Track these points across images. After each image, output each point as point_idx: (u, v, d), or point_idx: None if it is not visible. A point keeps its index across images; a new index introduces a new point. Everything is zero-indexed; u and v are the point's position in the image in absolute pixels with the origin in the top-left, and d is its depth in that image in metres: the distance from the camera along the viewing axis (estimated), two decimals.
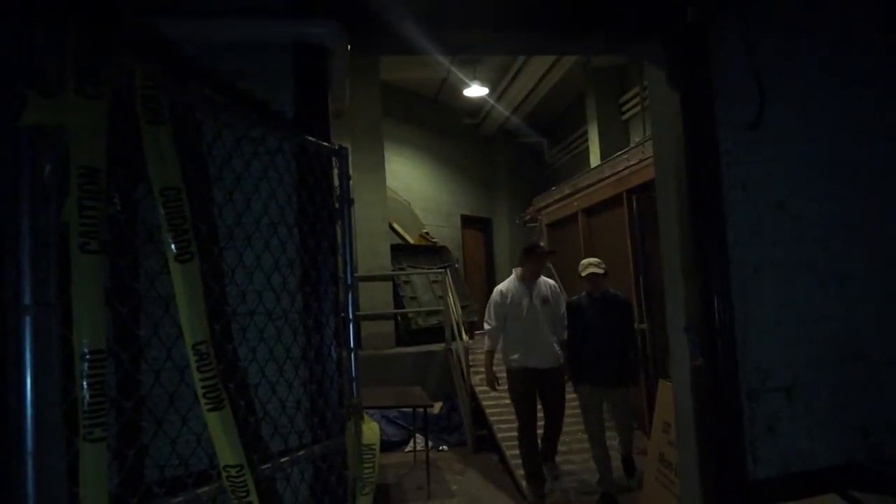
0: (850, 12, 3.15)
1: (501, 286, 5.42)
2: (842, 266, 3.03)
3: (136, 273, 2.01)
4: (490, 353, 5.39)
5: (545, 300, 5.29)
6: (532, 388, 5.21)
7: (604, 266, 5.29)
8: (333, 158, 2.56)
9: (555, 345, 5.26)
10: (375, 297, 9.15)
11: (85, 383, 1.40)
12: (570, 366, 5.27)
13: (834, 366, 2.99)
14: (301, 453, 2.29)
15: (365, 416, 2.43)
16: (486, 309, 5.42)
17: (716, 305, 2.90)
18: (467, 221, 13.72)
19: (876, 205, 3.08)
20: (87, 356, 1.40)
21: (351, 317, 2.52)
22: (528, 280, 5.33)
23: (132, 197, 2.07)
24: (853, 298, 3.03)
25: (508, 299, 5.28)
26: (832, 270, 3.02)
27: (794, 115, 3.05)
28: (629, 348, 5.38)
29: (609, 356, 5.11)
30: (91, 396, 1.40)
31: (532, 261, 5.34)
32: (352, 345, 2.51)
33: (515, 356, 5.21)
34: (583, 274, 5.26)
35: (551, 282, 5.50)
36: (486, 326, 5.36)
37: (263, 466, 2.06)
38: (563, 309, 5.38)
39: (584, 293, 5.35)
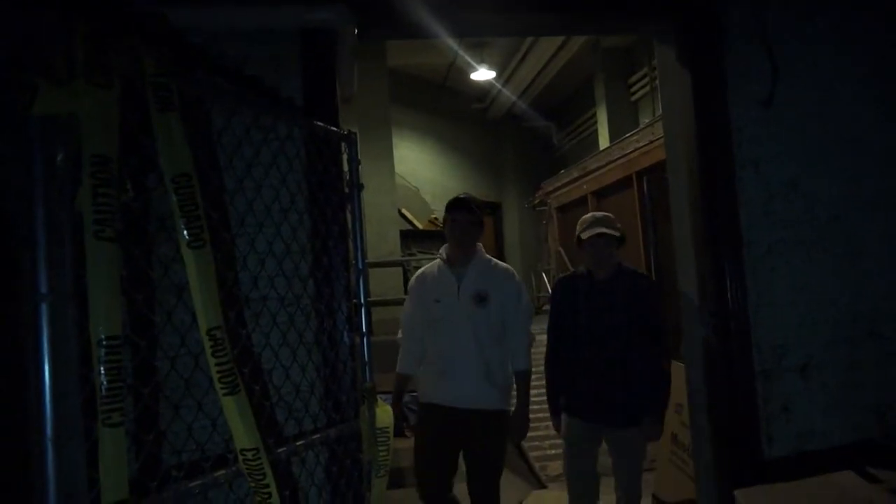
0: None
1: (419, 272, 3.32)
2: (855, 245, 3.01)
3: (150, 260, 2.02)
4: (400, 381, 3.27)
5: (481, 297, 3.02)
6: (440, 437, 3.05)
7: (619, 226, 3.13)
8: (343, 144, 2.55)
9: (493, 375, 3.02)
10: (386, 283, 9.17)
11: (102, 369, 1.41)
12: (548, 388, 3.24)
13: (848, 345, 2.98)
14: (316, 437, 2.30)
15: (379, 400, 2.44)
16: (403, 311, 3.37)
17: (728, 286, 2.89)
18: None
19: (890, 183, 3.05)
20: (104, 342, 1.41)
21: (363, 302, 2.53)
22: (454, 262, 3.11)
23: (144, 185, 2.08)
24: (867, 277, 3.01)
25: (419, 293, 3.20)
26: (846, 249, 3.00)
27: (807, 93, 3.02)
28: (654, 367, 3.04)
29: (617, 379, 3.01)
30: (108, 382, 1.41)
31: (459, 225, 3.05)
32: (364, 329, 2.52)
33: (428, 386, 3.14)
34: (582, 236, 3.10)
35: (502, 265, 3.19)
36: (400, 338, 3.30)
37: (279, 450, 2.08)
38: (524, 312, 3.12)
39: (581, 270, 3.21)
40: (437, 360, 3.06)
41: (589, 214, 3.20)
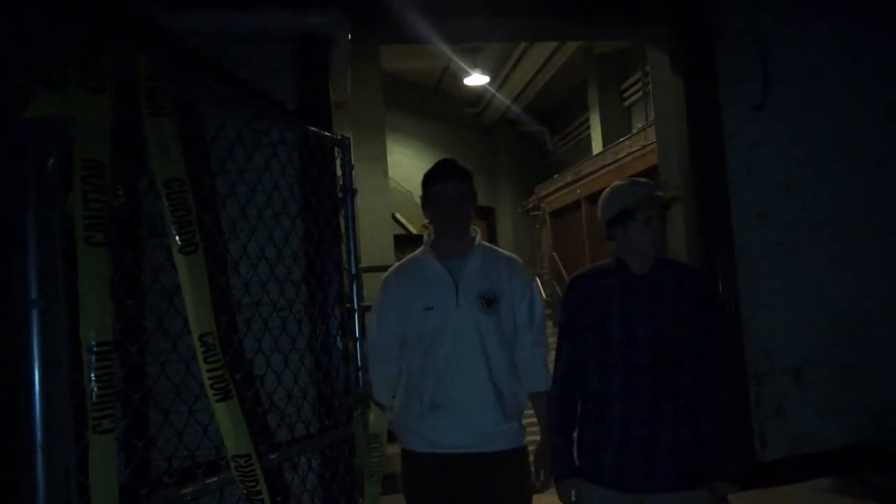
0: None
1: (395, 268, 2.37)
2: (848, 247, 3.03)
3: (141, 265, 2.01)
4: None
5: (488, 299, 2.19)
6: (440, 500, 2.21)
7: (672, 190, 2.33)
8: (336, 148, 2.55)
9: (506, 402, 2.20)
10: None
11: (93, 375, 1.40)
12: (554, 439, 2.13)
13: (841, 347, 2.99)
14: (309, 442, 2.29)
15: (372, 405, 2.43)
16: (369, 330, 2.38)
17: (721, 289, 2.89)
18: None
19: (882, 185, 3.07)
20: (95, 348, 1.40)
21: (356, 307, 2.52)
22: (445, 250, 2.25)
23: (136, 189, 2.06)
24: (859, 279, 3.02)
25: (399, 298, 2.26)
26: (838, 252, 3.02)
27: (799, 97, 3.04)
28: (723, 398, 2.08)
29: (676, 418, 2.00)
30: (99, 388, 1.40)
31: (449, 199, 2.22)
32: (357, 334, 2.51)
33: (411, 425, 2.23)
34: (631, 207, 2.07)
35: (505, 253, 2.37)
36: (369, 363, 2.33)
37: (271, 456, 2.07)
38: (539, 313, 2.31)
39: (607, 263, 2.16)
40: (426, 391, 2.15)
41: (623, 181, 2.19)
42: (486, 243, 2.34)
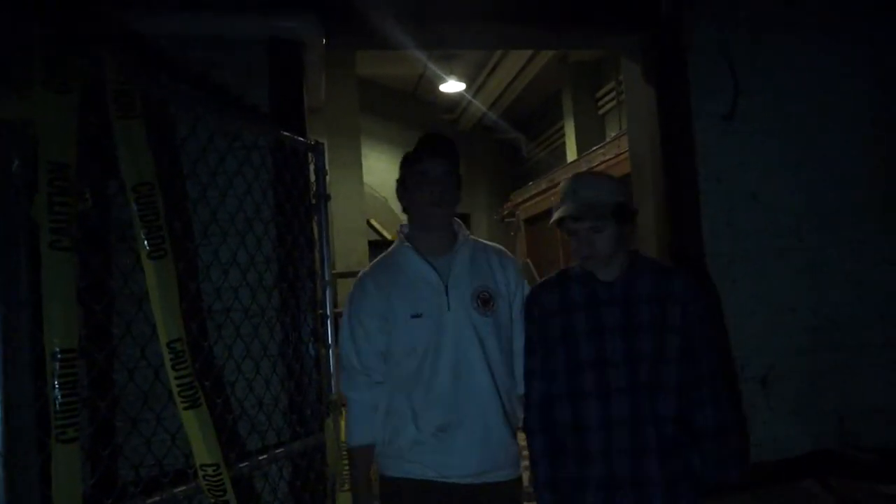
0: (822, 5, 3.19)
1: (370, 269, 1.99)
2: (814, 255, 3.08)
3: (109, 270, 1.98)
4: (364, 458, 1.90)
5: (484, 297, 1.88)
6: None
7: (623, 188, 1.86)
8: (310, 154, 2.53)
9: (511, 419, 1.89)
10: None
11: (56, 383, 1.37)
12: (534, 471, 1.84)
13: (808, 354, 3.04)
14: (279, 451, 2.26)
15: (344, 412, 2.41)
16: (340, 345, 1.95)
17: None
18: None
19: (846, 194, 3.13)
20: (59, 355, 1.38)
21: (329, 313, 2.50)
22: (428, 245, 1.91)
23: (104, 193, 2.03)
24: (825, 287, 3.08)
25: (379, 304, 1.87)
26: (805, 260, 3.07)
27: (767, 108, 3.09)
28: (720, 418, 1.77)
29: (661, 445, 1.73)
30: (63, 396, 1.38)
31: (434, 179, 1.85)
32: (330, 341, 2.49)
33: (405, 453, 1.83)
34: (558, 215, 1.77)
35: (491, 243, 2.08)
36: (343, 386, 1.94)
37: (241, 465, 2.04)
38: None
39: (574, 268, 1.88)
40: (426, 413, 1.81)
41: (570, 176, 1.91)
42: (479, 240, 2.01)
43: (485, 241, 2.03)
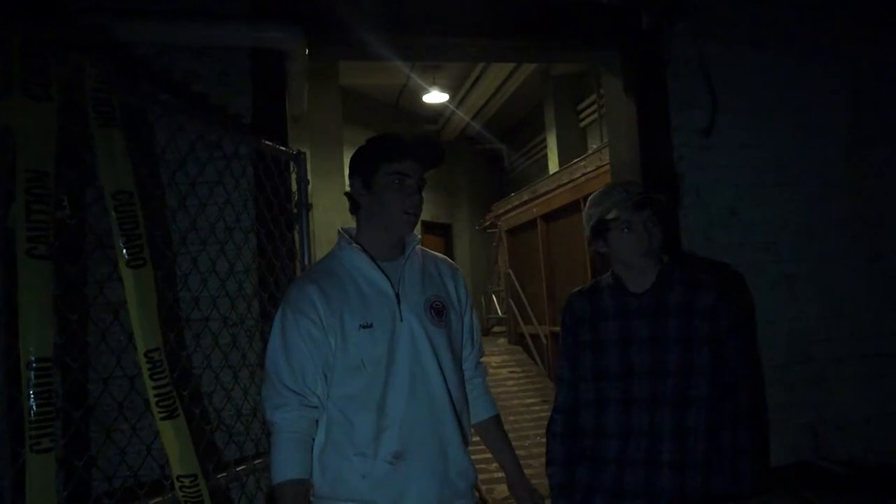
0: (799, 24, 3.25)
1: (311, 273, 1.80)
2: (789, 269, 3.12)
3: (85, 279, 1.96)
4: (292, 489, 1.54)
5: (437, 308, 1.71)
6: None
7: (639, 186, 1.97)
8: (291, 163, 2.54)
9: (467, 435, 1.73)
10: None
11: (31, 392, 1.36)
12: (554, 485, 1.89)
13: (784, 367, 3.07)
14: (257, 462, 2.25)
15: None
16: (268, 359, 1.65)
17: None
18: (428, 227, 13.72)
19: (822, 209, 3.18)
20: (34, 364, 1.36)
21: None
22: (380, 250, 1.70)
23: (82, 201, 2.02)
24: (801, 300, 3.12)
25: (325, 314, 1.61)
26: (780, 273, 3.11)
27: (745, 123, 3.13)
28: (743, 440, 1.77)
29: (669, 470, 1.73)
30: (38, 406, 1.36)
31: (412, 185, 1.66)
32: None
33: (354, 492, 1.58)
34: (608, 217, 1.82)
35: (441, 256, 1.86)
36: (268, 408, 1.60)
37: (219, 476, 2.03)
38: (477, 323, 1.87)
39: (605, 279, 1.92)
40: (378, 438, 1.59)
41: (597, 191, 1.90)
42: (426, 250, 1.84)
43: (433, 251, 1.86)
